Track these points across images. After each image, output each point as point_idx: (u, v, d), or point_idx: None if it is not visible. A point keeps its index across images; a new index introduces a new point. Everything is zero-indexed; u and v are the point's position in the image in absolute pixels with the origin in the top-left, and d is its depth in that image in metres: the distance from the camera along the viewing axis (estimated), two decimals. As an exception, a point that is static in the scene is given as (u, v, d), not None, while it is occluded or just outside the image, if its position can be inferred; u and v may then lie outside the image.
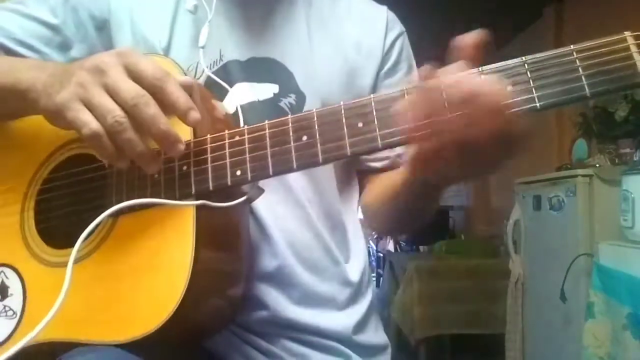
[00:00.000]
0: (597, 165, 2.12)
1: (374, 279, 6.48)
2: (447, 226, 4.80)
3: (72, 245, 0.54)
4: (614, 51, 0.42)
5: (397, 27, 0.79)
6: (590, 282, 1.75)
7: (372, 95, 0.48)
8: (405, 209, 0.66)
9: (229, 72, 0.67)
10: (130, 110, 0.47)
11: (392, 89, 0.74)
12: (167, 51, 0.66)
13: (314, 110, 0.50)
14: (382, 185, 0.71)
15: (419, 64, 0.79)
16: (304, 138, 0.49)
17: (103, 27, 0.69)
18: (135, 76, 0.48)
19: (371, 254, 7.05)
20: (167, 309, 0.49)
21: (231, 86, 0.66)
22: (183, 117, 0.49)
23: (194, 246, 0.51)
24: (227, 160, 0.52)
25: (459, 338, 3.36)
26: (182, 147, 0.49)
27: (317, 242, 0.68)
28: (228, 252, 0.59)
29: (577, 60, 0.43)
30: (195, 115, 0.49)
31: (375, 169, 0.75)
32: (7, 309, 0.58)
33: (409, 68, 0.80)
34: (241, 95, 0.67)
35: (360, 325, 0.70)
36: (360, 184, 0.78)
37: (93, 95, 0.47)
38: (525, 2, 3.18)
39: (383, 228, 0.79)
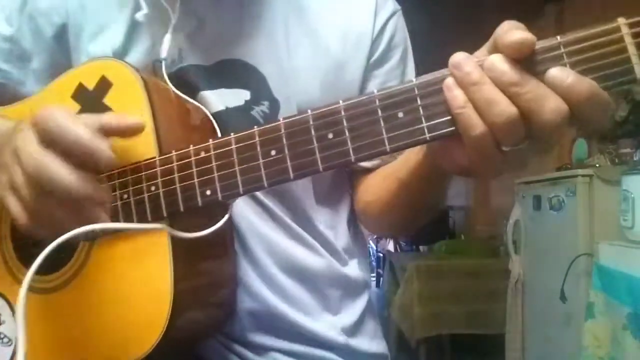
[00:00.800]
0: (597, 165, 2.13)
1: (374, 279, 6.48)
2: (447, 226, 4.80)
3: (53, 271, 0.55)
4: (605, 43, 0.37)
5: (389, 5, 0.70)
6: (590, 282, 1.75)
7: (341, 102, 0.44)
8: (412, 201, 0.60)
9: (192, 78, 0.61)
10: (33, 179, 0.46)
11: (384, 79, 0.68)
12: (123, 52, 0.62)
13: (281, 120, 0.46)
14: (384, 182, 0.65)
15: (417, 61, 0.73)
16: (273, 153, 0.46)
17: (62, 33, 0.65)
18: (48, 141, 0.47)
19: (371, 254, 7.06)
20: (155, 332, 0.49)
21: (195, 94, 0.61)
22: (89, 159, 0.46)
23: (173, 267, 0.50)
24: (195, 180, 0.49)
25: (459, 338, 3.36)
26: (104, 195, 0.48)
27: (299, 247, 0.64)
28: (209, 266, 0.57)
29: (565, 55, 0.38)
30: (102, 155, 0.46)
31: (366, 169, 0.68)
32: (2, 335, 0.58)
33: (403, 52, 0.70)
34: (207, 106, 0.61)
35: (355, 328, 0.68)
36: (352, 185, 0.72)
37: (14, 181, 0.48)
38: (526, 1, 3.18)
39: (387, 227, 0.71)
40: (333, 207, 0.70)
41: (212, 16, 0.62)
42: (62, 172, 0.46)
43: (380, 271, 5.93)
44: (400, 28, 0.70)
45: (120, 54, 0.62)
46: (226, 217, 0.52)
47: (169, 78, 0.59)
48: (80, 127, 0.46)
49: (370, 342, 0.70)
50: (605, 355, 1.62)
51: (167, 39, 0.59)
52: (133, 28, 0.62)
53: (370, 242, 7.01)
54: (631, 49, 0.37)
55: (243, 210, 0.61)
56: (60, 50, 0.65)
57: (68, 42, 0.65)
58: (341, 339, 0.65)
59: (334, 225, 0.69)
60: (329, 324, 0.65)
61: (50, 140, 0.46)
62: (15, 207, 0.48)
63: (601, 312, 1.65)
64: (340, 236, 0.69)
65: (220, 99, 0.61)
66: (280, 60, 0.63)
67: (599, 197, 1.94)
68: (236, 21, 0.63)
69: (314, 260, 0.65)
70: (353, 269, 0.69)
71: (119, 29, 0.62)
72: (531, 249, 2.40)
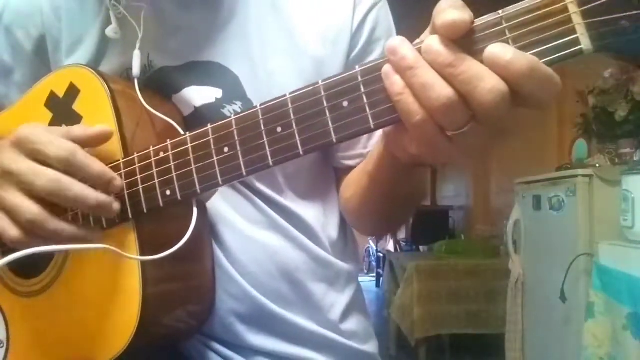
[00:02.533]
0: (597, 165, 2.12)
1: (374, 279, 6.48)
2: (447, 226, 4.81)
3: (39, 274, 0.57)
4: (548, 14, 0.35)
5: None
6: (590, 282, 1.75)
7: (288, 94, 0.43)
8: (383, 195, 0.58)
9: (163, 81, 0.61)
10: (49, 197, 0.48)
11: None
12: (96, 64, 0.62)
13: (232, 116, 0.46)
14: (357, 178, 0.63)
15: None
16: (226, 150, 0.46)
17: (41, 46, 0.65)
18: (42, 161, 0.49)
19: (371, 254, 7.07)
20: (126, 332, 0.50)
21: (167, 96, 0.61)
22: (104, 189, 0.50)
23: (141, 268, 0.51)
24: (156, 181, 0.50)
25: (459, 338, 3.36)
26: (117, 206, 0.50)
27: (282, 240, 0.63)
28: (181, 263, 0.57)
29: (507, 31, 0.36)
30: (117, 184, 0.50)
31: (349, 167, 0.67)
32: None
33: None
34: (178, 105, 0.61)
35: (340, 323, 0.66)
36: (337, 183, 0.71)
37: (5, 198, 0.49)
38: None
39: (366, 224, 0.70)
40: (321, 202, 0.69)
41: (182, 24, 0.61)
42: (79, 185, 0.48)
43: (380, 271, 5.93)
44: (382, 20, 0.67)
45: (94, 65, 0.61)
46: (188, 234, 0.51)
47: (143, 84, 0.59)
48: (96, 163, 0.49)
49: (359, 339, 0.68)
50: (605, 355, 1.62)
51: (137, 54, 0.58)
52: (104, 40, 0.62)
53: (370, 242, 7.01)
54: (575, 19, 0.34)
55: (220, 204, 0.61)
56: (42, 63, 0.65)
57: (47, 55, 0.65)
58: (327, 334, 0.64)
59: (323, 220, 0.68)
60: (313, 319, 0.64)
61: (46, 163, 0.49)
62: (3, 225, 0.49)
63: (601, 312, 1.65)
64: (330, 230, 0.68)
65: (190, 97, 0.61)
66: (254, 61, 0.61)
67: (599, 197, 1.94)
68: (207, 25, 0.62)
69: (296, 253, 0.64)
70: (340, 262, 0.68)
71: (92, 41, 0.63)
72: (531, 249, 2.40)
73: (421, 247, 4.69)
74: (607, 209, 1.89)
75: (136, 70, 0.58)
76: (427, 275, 3.29)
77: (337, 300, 0.67)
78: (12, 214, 0.49)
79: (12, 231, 0.49)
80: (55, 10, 0.64)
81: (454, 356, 3.47)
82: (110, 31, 0.58)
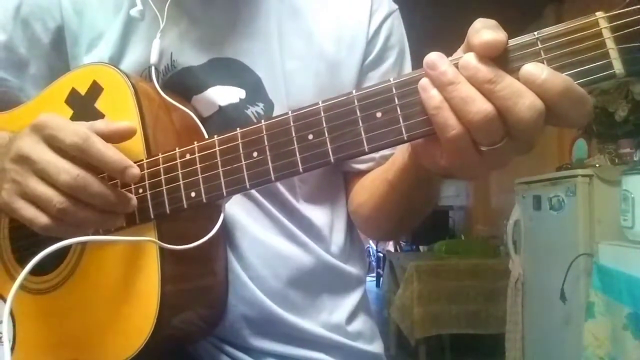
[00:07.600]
0: (597, 165, 2.12)
1: (374, 279, 6.48)
2: (447, 226, 4.80)
3: (49, 272, 0.56)
4: (583, 38, 0.36)
5: (385, 6, 0.69)
6: (590, 282, 1.75)
7: (320, 102, 0.44)
8: (401, 203, 0.59)
9: (185, 82, 0.61)
10: (71, 193, 0.47)
11: (379, 80, 0.67)
12: (118, 59, 0.62)
13: (263, 122, 0.46)
14: (373, 184, 0.64)
15: (415, 63, 0.70)
16: (255, 154, 0.46)
17: (59, 39, 0.65)
18: (57, 147, 0.48)
19: (371, 254, 7.06)
20: (143, 333, 0.50)
21: (190, 97, 0.61)
22: (119, 177, 0.49)
23: (160, 268, 0.50)
24: (181, 182, 0.50)
25: (459, 338, 3.36)
26: (134, 202, 0.50)
27: (291, 246, 0.63)
28: (198, 267, 0.57)
29: (542, 52, 0.37)
30: (132, 172, 0.48)
31: (359, 171, 0.68)
32: None
33: (398, 54, 0.69)
34: (202, 105, 0.61)
35: (347, 325, 0.66)
36: (346, 187, 0.71)
37: (27, 187, 0.48)
38: (525, 2, 3.18)
39: (377, 229, 0.70)
40: (330, 205, 0.69)
41: (204, 17, 0.62)
42: (99, 183, 0.47)
43: (380, 271, 5.93)
44: (396, 29, 0.69)
45: (116, 61, 0.62)
46: (216, 227, 0.51)
47: (164, 85, 0.59)
48: (111, 149, 0.48)
49: (365, 340, 0.68)
50: (605, 355, 1.62)
51: (156, 43, 0.59)
52: (127, 34, 0.62)
53: (370, 242, 7.00)
54: (609, 44, 0.36)
55: (234, 210, 0.61)
56: (58, 56, 0.65)
57: (65, 48, 0.65)
58: (333, 337, 0.64)
59: (330, 224, 0.68)
60: (320, 323, 0.64)
61: (60, 150, 0.47)
62: (32, 213, 0.48)
63: (601, 312, 1.65)
64: (337, 234, 0.69)
65: (215, 97, 0.61)
66: (274, 62, 0.63)
67: (599, 197, 1.94)
68: (229, 22, 0.63)
69: (306, 258, 0.64)
70: (347, 266, 0.69)
71: (113, 36, 0.62)
72: (531, 249, 2.40)
73: (421, 247, 4.69)
74: (607, 209, 1.89)
75: (154, 58, 0.58)
76: (427, 275, 3.28)
77: (344, 304, 0.68)
78: (41, 204, 0.48)
79: (42, 219, 0.48)
80: (74, 3, 0.64)
81: (454, 356, 3.47)
82: (135, 12, 0.59)
